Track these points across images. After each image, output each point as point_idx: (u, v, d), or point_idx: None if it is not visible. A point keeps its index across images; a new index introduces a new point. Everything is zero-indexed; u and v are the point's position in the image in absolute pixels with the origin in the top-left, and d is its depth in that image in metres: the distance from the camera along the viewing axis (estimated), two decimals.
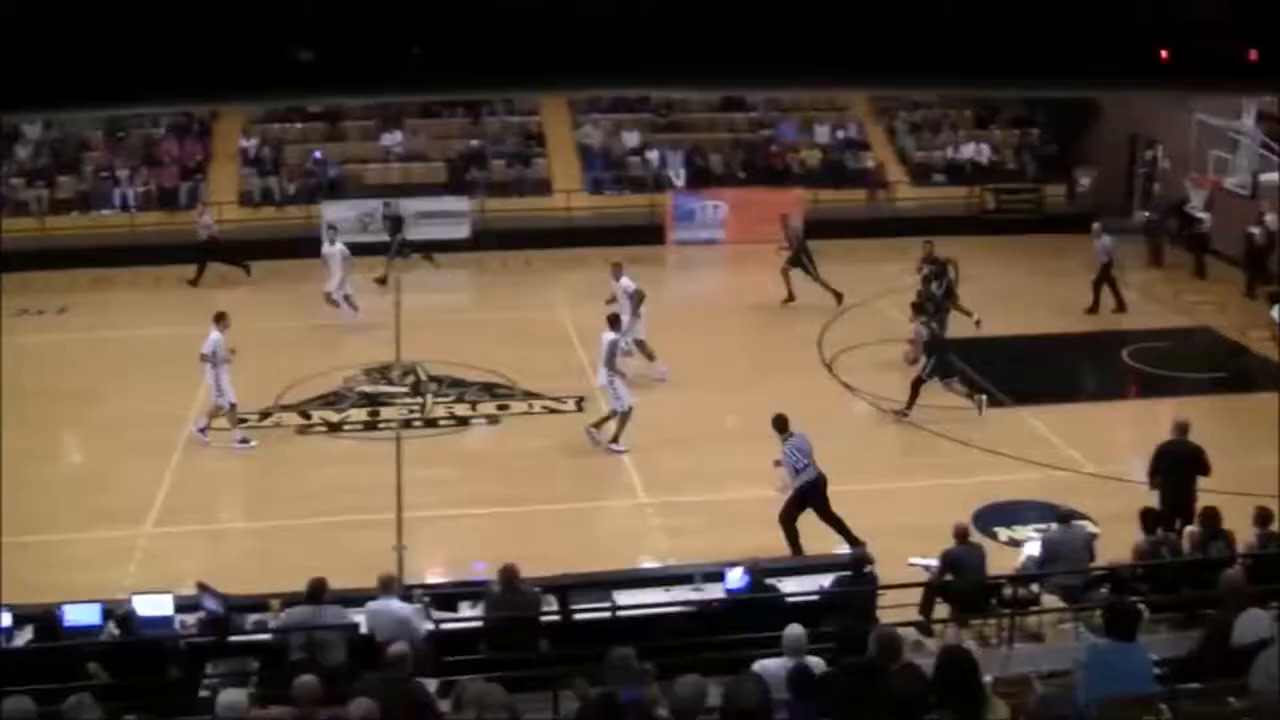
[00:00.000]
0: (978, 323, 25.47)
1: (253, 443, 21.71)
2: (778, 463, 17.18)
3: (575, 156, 38.22)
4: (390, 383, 24.25)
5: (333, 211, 34.27)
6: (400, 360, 25.23)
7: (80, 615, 13.55)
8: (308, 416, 22.86)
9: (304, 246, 32.53)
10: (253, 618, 13.85)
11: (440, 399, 23.64)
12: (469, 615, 13.85)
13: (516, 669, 11.67)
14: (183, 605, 13.92)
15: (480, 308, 31.03)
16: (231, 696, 9.70)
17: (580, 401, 22.99)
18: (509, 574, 13.34)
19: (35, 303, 30.16)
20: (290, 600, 13.39)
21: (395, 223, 32.66)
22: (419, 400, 23.56)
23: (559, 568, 14.92)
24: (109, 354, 26.37)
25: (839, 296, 28.64)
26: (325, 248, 28.53)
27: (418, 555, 17.26)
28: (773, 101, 39.87)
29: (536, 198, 36.67)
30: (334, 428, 22.48)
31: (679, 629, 13.31)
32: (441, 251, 33.45)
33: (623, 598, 13.97)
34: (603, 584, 14.43)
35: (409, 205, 34.69)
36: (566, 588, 14.13)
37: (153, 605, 13.69)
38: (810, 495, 16.97)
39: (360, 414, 22.95)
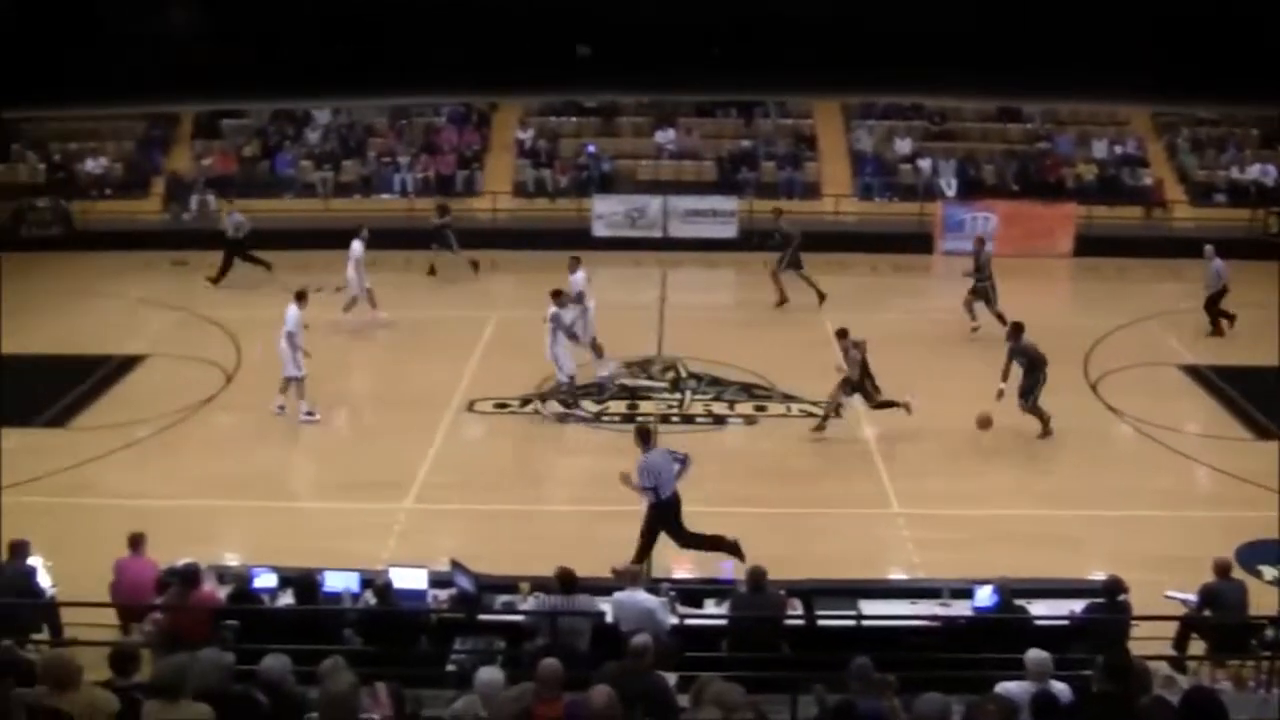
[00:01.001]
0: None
1: (317, 415, 22.47)
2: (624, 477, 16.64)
3: (846, 161, 38.11)
4: (650, 377, 24.52)
5: (603, 205, 34.87)
6: (661, 355, 25.56)
7: (339, 582, 14.08)
8: (568, 405, 23.26)
9: (575, 239, 33.20)
10: (502, 598, 14.19)
11: (699, 396, 23.82)
12: (713, 613, 13.95)
13: (757, 670, 11.74)
14: (436, 581, 14.37)
15: (743, 308, 31.10)
16: (489, 674, 9.95)
17: (838, 407, 22.90)
18: (757, 575, 13.42)
19: (315, 280, 31.32)
20: (539, 584, 13.68)
21: (440, 212, 32.70)
22: (677, 396, 23.78)
23: (806, 572, 14.93)
24: (382, 334, 27.29)
25: (822, 296, 29.43)
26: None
27: (666, 549, 17.46)
28: (1049, 113, 39.17)
29: (805, 201, 36.61)
30: (593, 418, 22.83)
31: (922, 643, 13.22)
32: (708, 251, 33.72)
33: (868, 607, 13.88)
34: (849, 592, 14.37)
35: (679, 203, 35.01)
36: (812, 592, 14.13)
37: (408, 578, 14.15)
38: (658, 517, 16.47)
39: (619, 406, 23.28)
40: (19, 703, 8.78)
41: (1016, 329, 22.19)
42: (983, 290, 27.30)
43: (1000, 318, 26.29)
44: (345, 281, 27.84)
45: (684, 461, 16.90)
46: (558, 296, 23.00)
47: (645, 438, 16.65)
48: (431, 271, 32.18)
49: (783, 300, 29.60)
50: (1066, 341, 25.29)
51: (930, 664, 11.90)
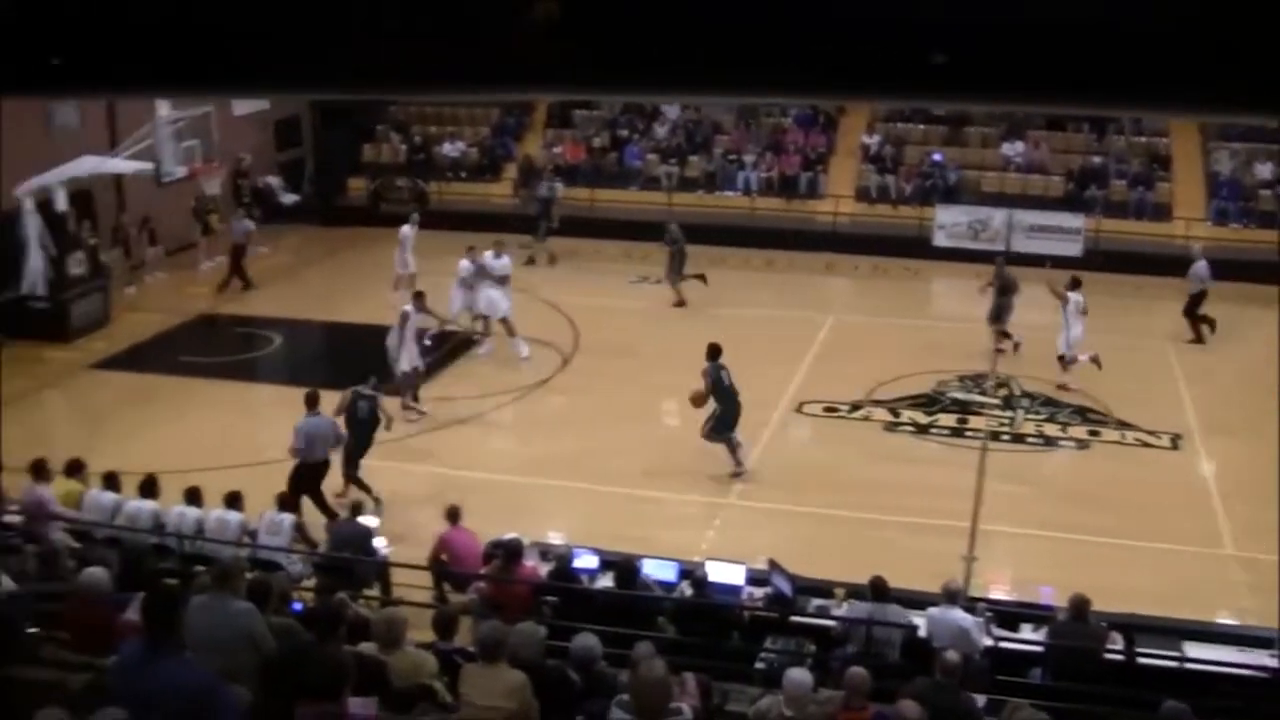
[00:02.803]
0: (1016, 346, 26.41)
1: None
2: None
3: (1201, 183, 36.66)
4: (983, 393, 24.16)
5: (945, 215, 34.48)
6: (995, 372, 25.16)
7: (657, 570, 14.38)
8: (897, 414, 23.14)
9: (915, 247, 32.97)
10: (816, 602, 14.26)
11: (1031, 416, 23.37)
12: (1029, 638, 13.72)
13: (1069, 701, 11.50)
14: (753, 578, 14.52)
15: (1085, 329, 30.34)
16: (800, 675, 9.99)
17: (1176, 439, 22.13)
18: (1080, 604, 13.13)
19: (653, 272, 31.86)
20: (854, 592, 13.69)
21: (545, 205, 33.01)
22: (1009, 414, 23.39)
23: (1128, 606, 14.53)
24: (716, 329, 27.51)
25: (701, 278, 29.94)
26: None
27: (986, 568, 17.24)
28: None
29: (1155, 222, 35.40)
30: (921, 429, 22.63)
31: (1246, 693, 12.70)
32: (1052, 268, 32.91)
33: (1192, 649, 13.44)
34: (1173, 631, 13.94)
35: (1024, 218, 34.28)
36: (1135, 627, 13.75)
37: (725, 573, 14.36)
38: (303, 474, 17.81)
39: (949, 419, 23.00)
40: (350, 655, 9.24)
41: (713, 350, 20.69)
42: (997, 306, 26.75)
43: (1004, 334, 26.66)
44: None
45: (341, 438, 18.34)
46: (419, 298, 23.47)
47: (311, 403, 18.16)
48: (531, 261, 32.85)
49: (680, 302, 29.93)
50: None
51: (1254, 715, 11.44)
